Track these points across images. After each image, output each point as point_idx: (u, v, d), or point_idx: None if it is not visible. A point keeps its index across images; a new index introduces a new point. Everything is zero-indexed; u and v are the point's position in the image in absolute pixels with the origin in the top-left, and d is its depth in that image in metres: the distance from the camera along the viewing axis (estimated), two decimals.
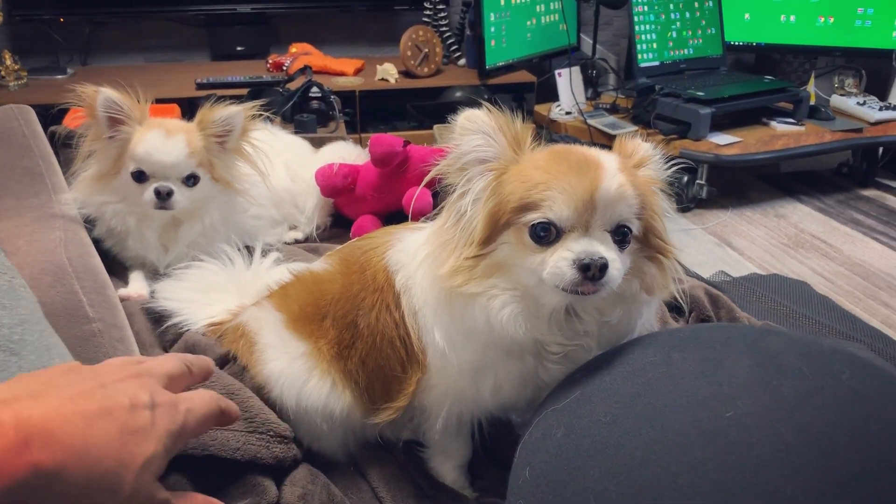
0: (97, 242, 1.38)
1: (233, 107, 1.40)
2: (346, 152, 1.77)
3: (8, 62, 2.92)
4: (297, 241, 1.69)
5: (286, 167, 1.67)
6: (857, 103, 3.14)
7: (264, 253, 1.37)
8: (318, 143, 1.89)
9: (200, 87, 2.96)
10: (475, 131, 0.83)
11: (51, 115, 1.72)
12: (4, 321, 0.55)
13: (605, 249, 0.77)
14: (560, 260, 0.76)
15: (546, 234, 0.77)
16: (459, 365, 0.89)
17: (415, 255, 0.94)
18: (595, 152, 0.83)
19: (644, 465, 0.62)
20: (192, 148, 1.35)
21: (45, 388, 0.54)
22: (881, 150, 3.19)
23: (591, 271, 0.75)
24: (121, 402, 0.58)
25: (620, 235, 0.79)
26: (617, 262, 0.77)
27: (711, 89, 2.98)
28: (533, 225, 0.77)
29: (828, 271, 2.52)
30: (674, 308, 1.35)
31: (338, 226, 1.78)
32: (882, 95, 3.22)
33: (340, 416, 1.02)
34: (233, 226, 1.47)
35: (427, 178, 0.89)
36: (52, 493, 0.51)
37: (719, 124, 2.96)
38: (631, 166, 0.84)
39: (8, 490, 0.48)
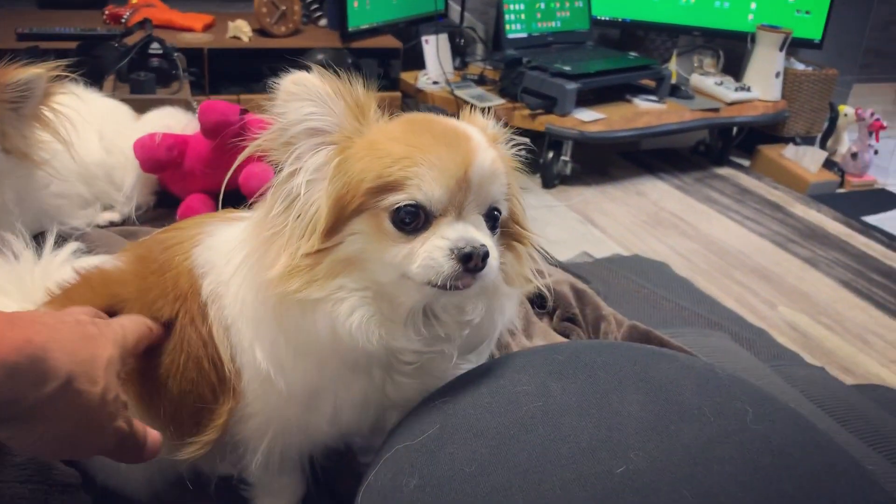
0: None
1: (32, 68, 1.14)
2: (173, 120, 1.52)
3: None
4: (112, 224, 1.44)
5: (100, 136, 1.42)
6: (715, 83, 3.19)
7: (60, 242, 1.11)
8: (158, 106, 1.63)
9: (22, 37, 2.59)
10: (305, 98, 0.66)
11: None
12: None
13: (482, 235, 0.65)
14: (434, 250, 0.64)
15: (413, 220, 0.64)
16: (289, 390, 0.72)
17: (228, 254, 0.76)
18: (458, 123, 0.70)
19: None
20: None
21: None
22: (735, 129, 3.28)
23: (474, 261, 0.63)
24: (72, 319, 0.65)
25: (492, 220, 0.68)
26: (494, 251, 0.65)
27: (578, 64, 2.93)
28: (396, 209, 0.64)
29: (686, 249, 2.55)
30: (535, 303, 1.24)
31: (164, 205, 1.54)
32: (737, 76, 3.29)
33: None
34: (29, 205, 1.22)
35: (244, 154, 0.71)
36: (46, 377, 0.55)
37: (584, 100, 2.91)
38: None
39: (5, 368, 0.51)
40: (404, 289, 0.66)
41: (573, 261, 2.14)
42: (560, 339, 1.16)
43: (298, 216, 0.66)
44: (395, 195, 0.63)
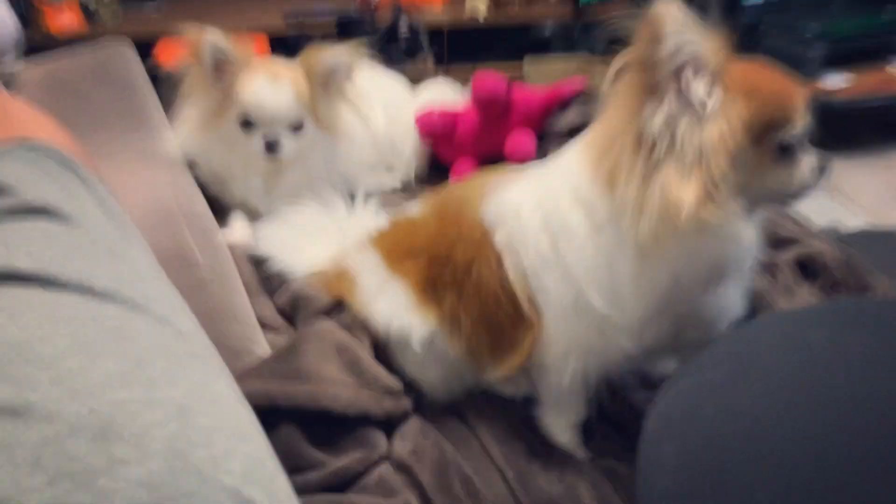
0: (199, 184, 1.37)
1: (337, 48, 1.34)
2: (444, 93, 1.70)
3: None
4: (394, 190, 1.65)
5: (385, 109, 1.62)
6: None
7: (365, 199, 1.33)
8: (408, 78, 1.82)
9: (288, 17, 2.92)
10: (679, 29, 0.71)
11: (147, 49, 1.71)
12: (125, 276, 0.53)
13: None
14: (810, 170, 0.82)
15: (797, 146, 0.80)
16: (621, 321, 0.84)
17: (517, 212, 0.89)
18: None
19: (819, 464, 0.56)
20: (299, 92, 1.31)
21: None
22: None
23: (825, 172, 0.83)
24: None
25: None
26: None
27: (824, 24, 2.74)
28: (785, 142, 0.78)
29: None
30: (797, 270, 1.26)
31: (435, 169, 1.73)
32: None
33: (438, 348, 1.00)
34: (335, 171, 1.44)
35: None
36: None
37: (833, 63, 2.73)
38: None
39: None
40: (760, 207, 0.84)
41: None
42: None
43: (679, 151, 0.74)
44: (782, 131, 0.78)
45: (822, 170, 0.82)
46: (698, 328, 0.88)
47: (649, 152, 0.76)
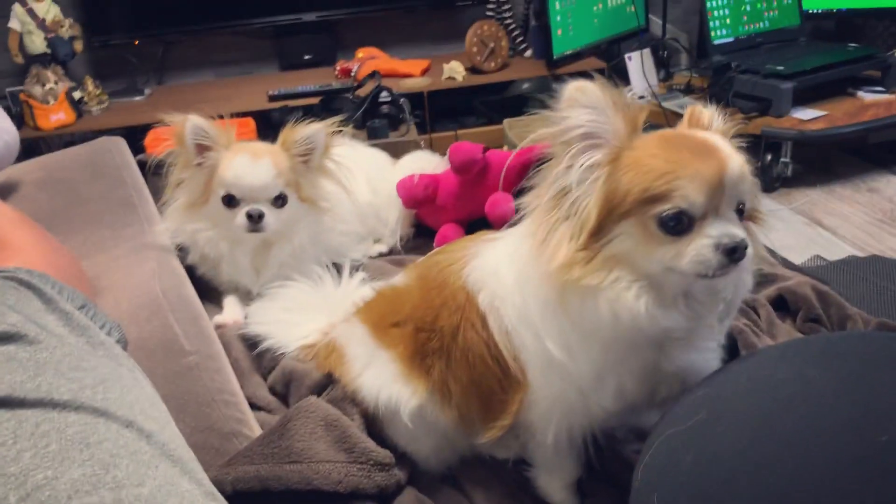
0: (190, 270, 1.40)
1: (314, 125, 1.40)
2: (424, 162, 1.76)
3: (90, 88, 3.01)
4: (381, 255, 1.68)
5: (367, 180, 1.67)
6: None
7: (352, 271, 1.36)
8: (392, 149, 1.88)
9: (273, 98, 2.99)
10: (586, 105, 0.78)
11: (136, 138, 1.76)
12: (87, 383, 0.55)
13: (738, 229, 0.76)
14: (702, 248, 0.75)
15: (677, 224, 0.75)
16: (578, 373, 0.86)
17: (496, 273, 0.91)
18: (705, 136, 0.80)
19: (788, 497, 0.58)
20: (279, 168, 1.36)
21: None
22: None
23: (738, 254, 0.74)
24: None
25: (739, 213, 0.79)
26: (748, 241, 0.76)
27: (791, 62, 2.84)
28: (663, 216, 0.75)
29: None
30: (779, 307, 1.29)
31: (421, 236, 1.77)
32: None
33: (428, 418, 1.01)
34: (321, 244, 1.47)
35: (524, 143, 0.86)
36: None
37: (802, 99, 2.81)
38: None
39: None
40: (670, 279, 0.78)
41: (806, 266, 2.10)
42: None
43: (571, 214, 0.79)
44: (661, 205, 0.75)
45: (726, 250, 0.74)
46: (671, 385, 0.88)
47: (554, 214, 0.81)
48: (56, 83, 2.87)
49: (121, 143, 1.65)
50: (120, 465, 0.49)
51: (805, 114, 2.75)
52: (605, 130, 0.78)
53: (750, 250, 0.75)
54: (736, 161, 0.76)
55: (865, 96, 2.85)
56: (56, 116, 2.88)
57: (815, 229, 2.56)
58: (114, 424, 0.53)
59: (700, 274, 0.75)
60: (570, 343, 0.84)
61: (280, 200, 1.38)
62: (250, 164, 1.34)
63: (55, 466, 0.46)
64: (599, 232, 0.78)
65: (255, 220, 1.34)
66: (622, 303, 0.77)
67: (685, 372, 0.85)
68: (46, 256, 0.73)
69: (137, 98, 3.16)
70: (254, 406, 1.14)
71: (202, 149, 1.36)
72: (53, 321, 0.61)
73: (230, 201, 1.36)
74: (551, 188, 0.81)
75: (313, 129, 1.39)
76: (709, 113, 0.86)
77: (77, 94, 2.99)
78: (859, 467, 0.57)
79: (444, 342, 0.97)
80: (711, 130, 0.84)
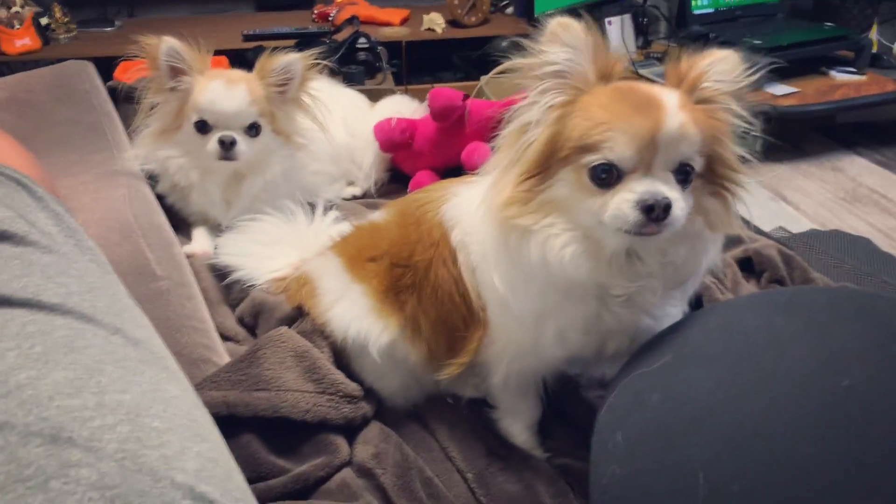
0: (160, 198, 1.37)
1: (292, 54, 1.37)
2: (402, 107, 1.74)
3: (58, 15, 2.90)
4: (354, 197, 1.67)
5: (344, 122, 1.64)
6: None
7: (325, 209, 1.35)
8: (367, 97, 1.85)
9: (247, 38, 2.91)
10: (566, 44, 0.76)
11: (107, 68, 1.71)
12: (73, 289, 0.54)
13: (668, 189, 0.74)
14: (622, 202, 0.73)
15: (607, 176, 0.74)
16: (520, 312, 0.87)
17: (470, 209, 0.91)
18: (657, 90, 0.78)
19: (756, 436, 0.60)
20: (254, 96, 1.33)
21: None
22: None
23: (655, 212, 0.72)
24: None
25: (682, 174, 0.76)
26: (680, 202, 0.74)
27: (768, 37, 2.86)
28: (593, 166, 0.74)
29: (889, 226, 2.44)
30: (744, 268, 1.32)
31: (395, 181, 1.76)
32: None
33: (398, 354, 1.02)
34: (294, 181, 1.45)
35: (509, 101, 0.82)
36: None
37: (776, 74, 2.85)
38: (691, 95, 0.79)
39: None
40: (603, 233, 0.77)
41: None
42: None
43: (524, 149, 0.78)
44: (592, 155, 0.74)
45: (643, 208, 0.72)
46: (620, 341, 0.88)
47: (510, 150, 0.81)
48: (22, 7, 2.77)
49: (89, 67, 1.61)
50: (105, 371, 0.48)
51: (778, 89, 2.78)
52: (575, 72, 0.77)
53: (677, 212, 0.73)
54: (675, 119, 0.73)
55: (837, 76, 2.89)
56: (21, 42, 2.77)
57: (779, 204, 2.61)
58: (101, 331, 0.52)
59: (620, 228, 0.74)
60: (513, 280, 0.85)
61: (253, 129, 1.35)
62: (225, 90, 1.31)
63: (39, 367, 0.46)
64: (543, 175, 0.78)
65: (226, 146, 1.31)
66: (548, 247, 0.78)
67: (632, 330, 0.86)
68: (26, 164, 0.71)
69: (107, 29, 3.07)
70: (222, 336, 1.14)
71: (176, 72, 1.32)
72: (44, 219, 0.59)
73: (203, 127, 1.33)
74: (514, 123, 0.81)
75: (291, 59, 1.36)
76: (688, 61, 0.81)
77: (44, 21, 2.88)
78: (823, 409, 0.60)
79: (417, 278, 0.98)
80: (699, 81, 0.80)
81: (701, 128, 0.75)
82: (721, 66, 0.80)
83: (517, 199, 0.79)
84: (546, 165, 0.78)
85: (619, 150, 0.73)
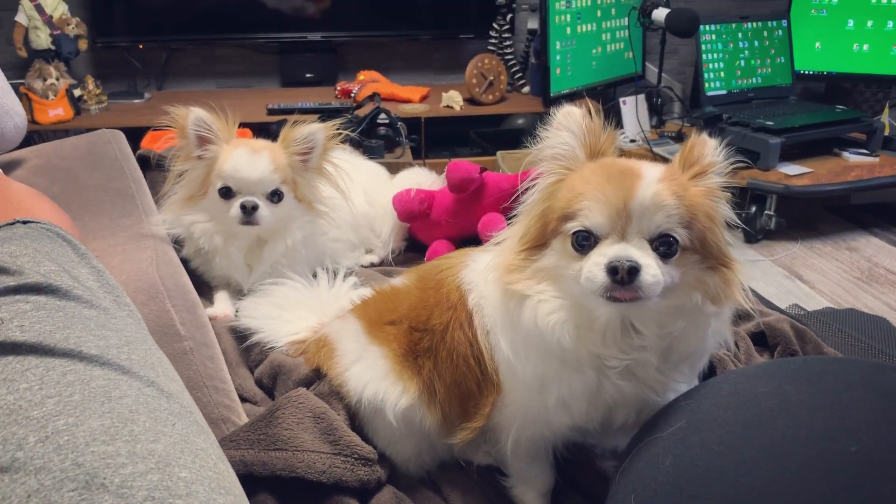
0: (184, 262, 1.41)
1: (314, 124, 1.42)
2: (421, 178, 1.79)
3: (90, 87, 3.03)
4: (372, 265, 1.71)
5: (364, 191, 1.70)
6: None
7: (344, 275, 1.39)
8: (388, 169, 1.92)
9: (272, 112, 3.02)
10: (565, 128, 0.85)
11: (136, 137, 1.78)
12: (112, 342, 0.57)
13: (639, 255, 0.76)
14: (593, 265, 0.77)
15: (586, 243, 0.79)
16: (524, 377, 0.89)
17: (485, 273, 0.94)
18: (639, 164, 0.82)
19: (765, 499, 0.61)
20: (277, 164, 1.38)
21: None
22: None
23: (620, 274, 0.74)
24: None
25: (665, 245, 0.78)
26: (652, 269, 0.76)
27: (781, 118, 2.93)
28: (574, 233, 0.79)
29: None
30: (758, 342, 1.32)
31: (412, 250, 1.80)
32: None
33: (414, 419, 1.02)
34: (314, 247, 1.49)
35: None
36: None
37: (789, 155, 2.89)
38: (687, 175, 0.82)
39: None
40: (593, 302, 0.79)
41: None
42: None
43: (522, 224, 0.86)
44: (572, 222, 0.80)
45: (608, 269, 0.75)
46: (627, 413, 0.89)
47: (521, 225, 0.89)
48: (57, 79, 2.90)
49: (119, 136, 1.67)
50: (138, 421, 0.50)
51: (791, 169, 2.83)
52: (568, 153, 0.85)
53: (647, 277, 0.75)
54: (650, 190, 0.76)
55: (850, 157, 2.94)
56: (54, 112, 2.89)
57: (794, 282, 2.62)
58: (136, 382, 0.54)
59: (593, 291, 0.76)
60: (516, 344, 0.89)
61: (276, 196, 1.40)
62: (248, 157, 1.36)
63: (76, 415, 0.48)
64: (537, 245, 0.84)
65: (248, 211, 1.36)
66: (539, 313, 0.82)
67: (636, 403, 0.87)
68: (66, 226, 0.75)
69: (137, 101, 3.19)
70: (241, 398, 1.15)
71: (203, 141, 1.38)
72: (86, 274, 0.62)
73: (227, 193, 1.38)
74: (528, 202, 0.88)
75: (313, 129, 1.42)
76: (705, 147, 0.85)
77: (77, 92, 3.01)
78: (832, 474, 0.60)
79: (434, 341, 1.00)
80: (703, 164, 0.84)
81: (686, 202, 0.78)
82: (708, 148, 0.85)
83: (516, 266, 0.85)
84: (543, 238, 0.84)
85: (592, 217, 0.78)
